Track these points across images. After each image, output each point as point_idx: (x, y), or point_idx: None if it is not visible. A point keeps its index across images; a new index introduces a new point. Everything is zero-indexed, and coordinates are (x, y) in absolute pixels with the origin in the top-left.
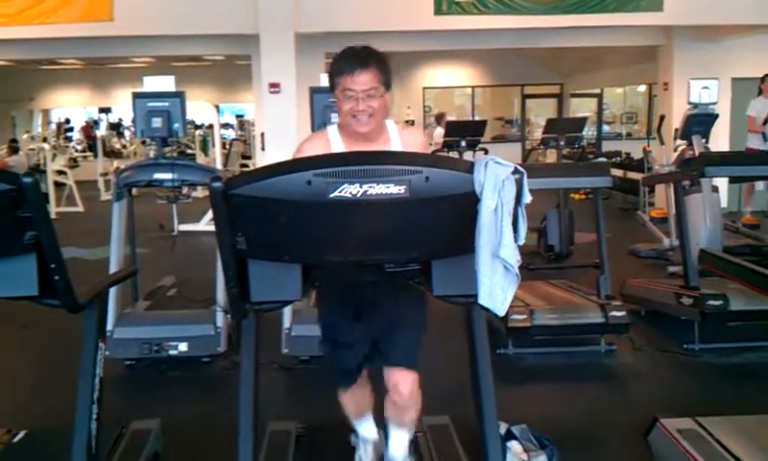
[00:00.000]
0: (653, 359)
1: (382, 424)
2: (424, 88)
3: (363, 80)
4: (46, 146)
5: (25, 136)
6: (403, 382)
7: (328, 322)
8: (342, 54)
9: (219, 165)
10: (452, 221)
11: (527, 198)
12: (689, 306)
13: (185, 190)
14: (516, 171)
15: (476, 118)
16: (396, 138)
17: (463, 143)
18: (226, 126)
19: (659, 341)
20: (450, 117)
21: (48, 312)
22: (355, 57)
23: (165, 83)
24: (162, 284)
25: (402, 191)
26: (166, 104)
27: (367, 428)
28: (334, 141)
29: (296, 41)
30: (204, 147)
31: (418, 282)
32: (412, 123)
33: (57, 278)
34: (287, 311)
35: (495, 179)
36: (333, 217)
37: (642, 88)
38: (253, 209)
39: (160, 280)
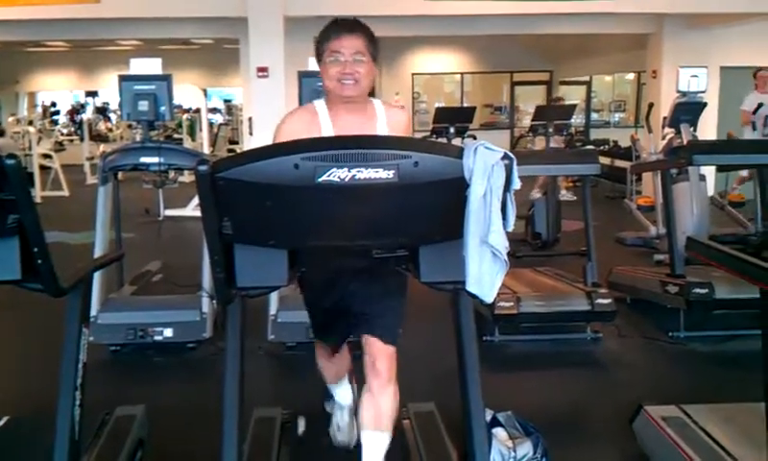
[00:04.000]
0: (638, 347)
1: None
2: (413, 74)
3: (350, 43)
4: (32, 129)
5: (11, 119)
6: (381, 358)
7: (313, 305)
8: (329, 22)
9: (206, 150)
10: (441, 206)
11: (516, 184)
12: (675, 294)
13: (172, 175)
14: (505, 156)
15: (465, 105)
16: (383, 114)
17: (452, 129)
18: (213, 110)
19: (644, 329)
20: (439, 104)
21: (31, 296)
22: (343, 22)
23: (152, 65)
24: (148, 269)
25: (391, 176)
26: (153, 87)
27: (343, 393)
28: (321, 114)
29: (284, 25)
30: (192, 131)
31: (405, 269)
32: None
33: (39, 261)
34: (273, 297)
35: (485, 164)
36: (321, 202)
37: (631, 76)
38: (240, 193)
39: (146, 266)
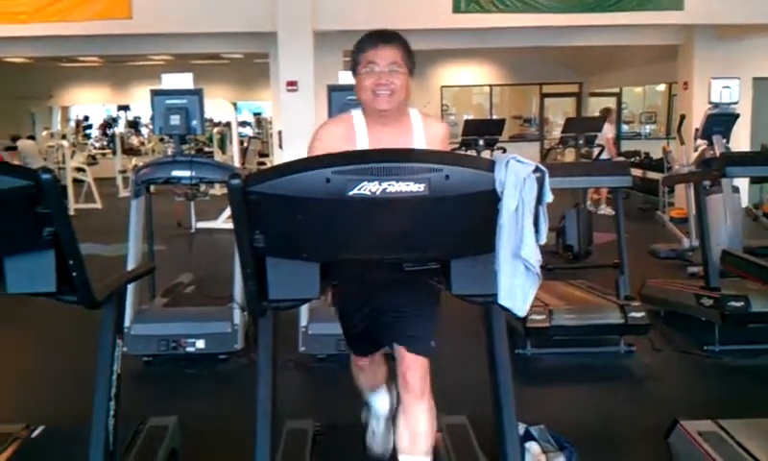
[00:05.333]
0: (672, 360)
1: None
2: (442, 87)
3: (386, 54)
4: (65, 143)
5: (44, 133)
6: (413, 369)
7: (345, 317)
8: (366, 34)
9: (237, 163)
10: (472, 220)
11: (549, 197)
12: (710, 307)
13: (203, 188)
14: (537, 169)
15: (494, 117)
16: (420, 127)
17: (481, 142)
18: (243, 124)
19: (678, 342)
20: (468, 116)
21: (66, 307)
22: (379, 33)
23: (183, 80)
24: (180, 281)
25: (422, 189)
26: (184, 101)
27: (380, 401)
28: (358, 125)
29: (314, 39)
30: (222, 145)
31: (437, 281)
32: None
33: (75, 274)
34: (304, 309)
35: (516, 177)
36: (352, 215)
37: (662, 88)
38: (272, 207)
39: (178, 277)
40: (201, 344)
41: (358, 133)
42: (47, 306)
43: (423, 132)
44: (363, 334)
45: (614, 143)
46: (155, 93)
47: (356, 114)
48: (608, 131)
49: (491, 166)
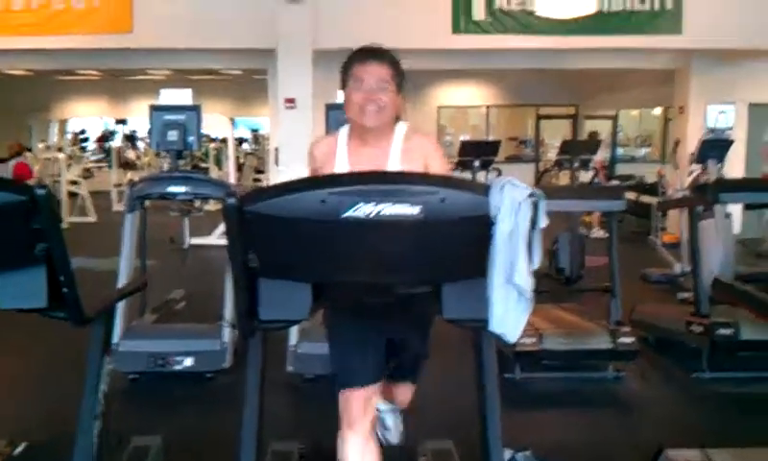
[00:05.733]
0: (661, 387)
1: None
2: (439, 107)
3: (375, 70)
4: (61, 156)
5: (41, 146)
6: (404, 395)
7: (337, 346)
8: (356, 50)
9: (232, 179)
10: (466, 244)
11: (543, 222)
12: (699, 334)
13: (197, 203)
14: (532, 194)
15: (490, 138)
16: (399, 145)
17: (477, 162)
18: (240, 140)
19: (667, 368)
20: (464, 136)
21: (50, 321)
22: (369, 50)
23: (182, 96)
24: (171, 298)
25: (417, 212)
26: (182, 117)
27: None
28: (341, 142)
29: (313, 57)
30: (218, 160)
31: (429, 305)
32: None
33: (66, 290)
34: (294, 329)
35: (512, 202)
36: (347, 237)
37: (658, 111)
38: (267, 227)
39: (169, 294)
40: (189, 362)
41: (339, 152)
42: (34, 319)
43: (401, 148)
44: (356, 359)
45: (603, 167)
46: (153, 108)
47: (342, 132)
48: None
49: (486, 190)
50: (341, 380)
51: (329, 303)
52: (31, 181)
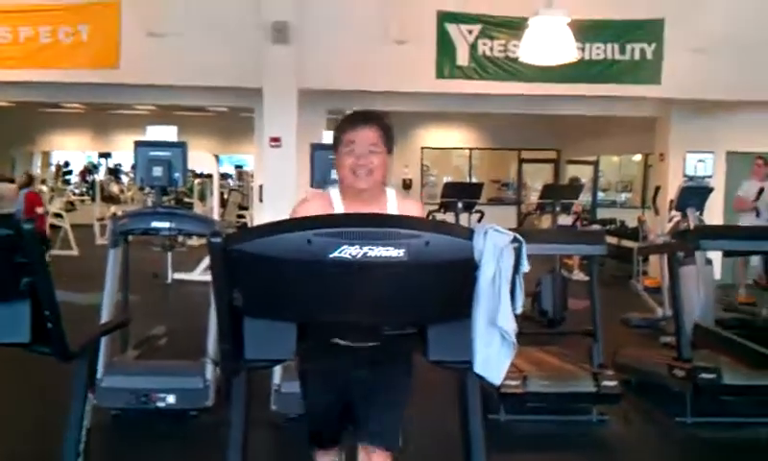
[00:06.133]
0: (644, 431)
1: None
2: (423, 148)
3: (365, 135)
4: (44, 188)
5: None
6: None
7: (311, 389)
8: (348, 114)
9: (216, 215)
10: (450, 286)
11: (525, 267)
12: (682, 378)
13: (180, 239)
14: (515, 240)
15: (473, 180)
16: (394, 206)
17: (460, 204)
18: (224, 176)
19: (650, 412)
20: (447, 178)
21: (28, 355)
22: (360, 114)
23: (168, 133)
24: (153, 334)
25: (401, 255)
26: (168, 153)
27: None
28: (335, 202)
29: (298, 97)
30: (203, 196)
31: (411, 346)
32: (409, 182)
33: (50, 325)
34: (277, 368)
35: (494, 247)
36: (332, 277)
37: (638, 158)
38: (252, 266)
39: (151, 330)
40: (171, 399)
41: (335, 210)
42: (13, 353)
43: (397, 210)
44: (326, 409)
45: (582, 211)
46: (138, 144)
47: (333, 192)
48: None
49: (470, 234)
50: (309, 439)
51: (309, 346)
52: (40, 210)
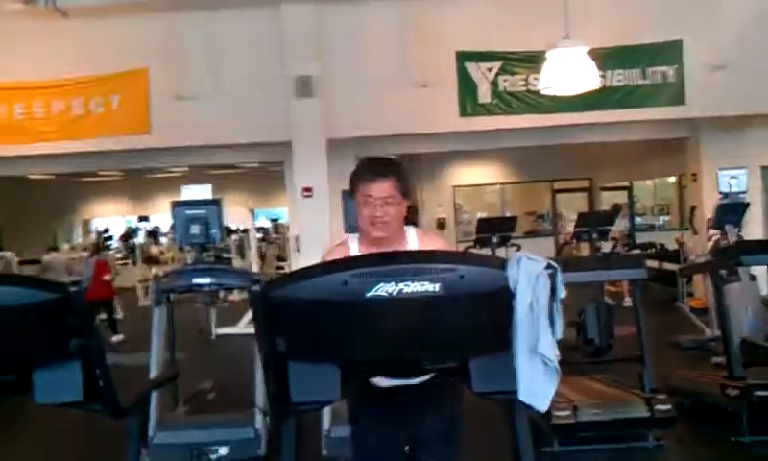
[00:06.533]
0: (702, 454)
1: None
2: (455, 187)
3: (381, 188)
4: (85, 254)
5: (66, 246)
6: None
7: (363, 430)
8: (362, 163)
9: (255, 268)
10: (487, 317)
11: (562, 292)
12: (735, 397)
13: (222, 294)
14: (549, 266)
15: (507, 214)
16: (414, 244)
17: (495, 239)
18: (261, 229)
19: (707, 434)
20: (481, 214)
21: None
22: (375, 166)
23: (202, 191)
24: (202, 388)
25: (437, 289)
26: (203, 211)
27: None
28: (353, 249)
29: (327, 146)
30: (241, 251)
31: (456, 379)
32: (443, 221)
33: (102, 384)
34: (326, 412)
35: (528, 275)
36: (370, 316)
37: (672, 179)
38: (292, 310)
39: (199, 385)
40: (224, 451)
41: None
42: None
43: (417, 246)
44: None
45: (622, 236)
46: (175, 205)
47: (352, 239)
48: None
49: (503, 264)
50: None
51: (354, 388)
52: (107, 278)
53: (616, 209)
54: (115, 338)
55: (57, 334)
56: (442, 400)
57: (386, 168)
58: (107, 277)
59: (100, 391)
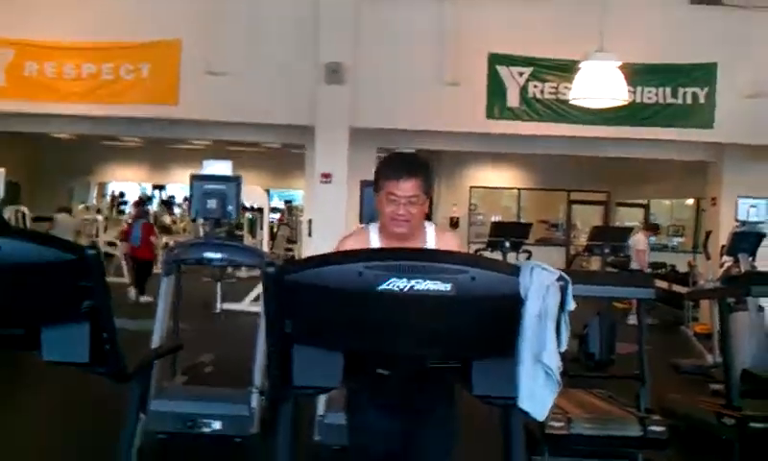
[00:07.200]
0: None
1: None
2: (471, 188)
3: (406, 187)
4: (100, 217)
5: (81, 207)
6: None
7: (361, 421)
8: (390, 159)
9: (266, 248)
10: (495, 322)
11: (571, 305)
12: (731, 427)
13: (230, 270)
14: (560, 278)
15: (522, 220)
16: (432, 241)
17: (507, 244)
18: (274, 210)
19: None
20: (495, 217)
21: (75, 377)
22: (402, 164)
23: (223, 167)
24: (201, 361)
25: (448, 289)
26: (222, 187)
27: None
28: (372, 238)
29: (349, 134)
30: (252, 229)
31: (456, 380)
32: (456, 221)
33: (108, 347)
34: (321, 398)
35: (540, 284)
36: (380, 309)
37: (690, 202)
38: (304, 295)
39: (199, 357)
40: (217, 425)
41: (372, 246)
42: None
43: (435, 245)
44: (373, 441)
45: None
46: (194, 178)
47: (372, 228)
48: (641, 243)
49: (516, 271)
50: None
51: (357, 377)
52: (153, 240)
53: (654, 227)
54: (143, 298)
55: (70, 294)
56: (440, 387)
57: (413, 168)
58: (153, 239)
59: (106, 354)
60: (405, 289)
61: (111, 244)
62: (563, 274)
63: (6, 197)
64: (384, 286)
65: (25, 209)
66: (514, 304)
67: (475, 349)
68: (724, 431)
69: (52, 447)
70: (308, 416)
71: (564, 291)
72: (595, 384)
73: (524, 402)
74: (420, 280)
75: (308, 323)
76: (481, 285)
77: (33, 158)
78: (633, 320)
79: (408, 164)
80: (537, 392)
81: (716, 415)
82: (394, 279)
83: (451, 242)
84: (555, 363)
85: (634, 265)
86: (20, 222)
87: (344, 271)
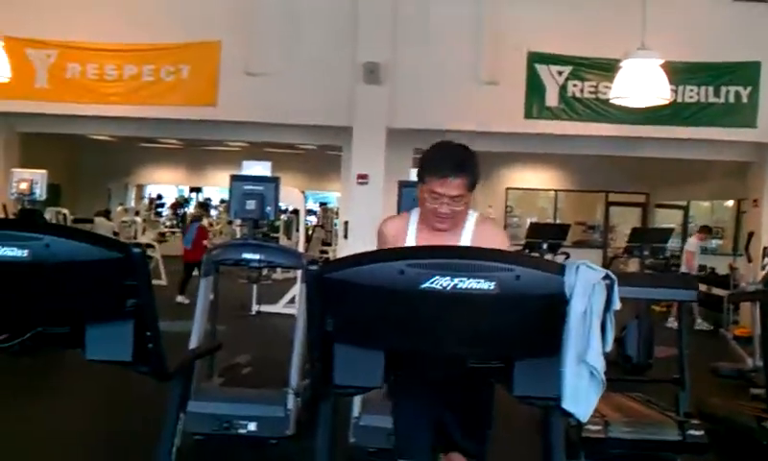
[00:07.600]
0: None
1: None
2: (508, 189)
3: (452, 187)
4: (138, 219)
5: (119, 209)
6: None
7: (399, 422)
8: (437, 152)
9: (301, 249)
10: (539, 321)
11: (617, 304)
12: None
13: (266, 271)
14: (606, 276)
15: (558, 222)
16: (470, 232)
17: (544, 245)
18: (309, 212)
19: None
20: (532, 219)
21: (111, 375)
22: (449, 161)
23: (262, 168)
24: (237, 362)
25: (492, 287)
26: (261, 188)
27: None
28: (411, 226)
29: (387, 136)
30: (288, 231)
31: (497, 381)
32: None
33: (151, 346)
34: (357, 399)
35: (586, 282)
36: (422, 307)
37: (730, 203)
38: (345, 294)
39: (236, 358)
40: (253, 426)
41: (409, 234)
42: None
43: (472, 236)
44: (416, 434)
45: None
46: (234, 178)
47: (414, 213)
48: (693, 245)
49: (561, 270)
50: (398, 452)
51: (398, 374)
52: (206, 243)
53: (708, 231)
54: (179, 298)
55: (115, 293)
56: (479, 387)
57: (459, 166)
58: (206, 242)
59: (149, 353)
60: (448, 288)
61: (149, 246)
62: (609, 272)
63: (47, 198)
64: (427, 285)
65: (66, 211)
66: (558, 303)
67: (518, 348)
68: (764, 436)
69: (91, 444)
70: (344, 418)
71: (610, 289)
72: (633, 388)
73: (568, 403)
74: (463, 279)
75: (349, 321)
76: (525, 284)
77: (72, 160)
78: (671, 324)
79: (455, 161)
80: (581, 392)
81: (757, 419)
82: (437, 278)
83: (492, 233)
84: (600, 363)
85: (683, 268)
86: (61, 224)
87: (385, 269)
